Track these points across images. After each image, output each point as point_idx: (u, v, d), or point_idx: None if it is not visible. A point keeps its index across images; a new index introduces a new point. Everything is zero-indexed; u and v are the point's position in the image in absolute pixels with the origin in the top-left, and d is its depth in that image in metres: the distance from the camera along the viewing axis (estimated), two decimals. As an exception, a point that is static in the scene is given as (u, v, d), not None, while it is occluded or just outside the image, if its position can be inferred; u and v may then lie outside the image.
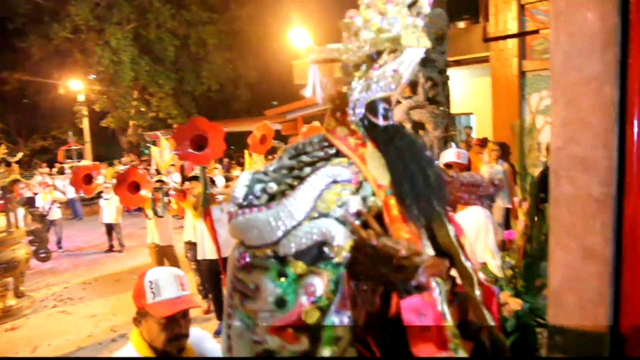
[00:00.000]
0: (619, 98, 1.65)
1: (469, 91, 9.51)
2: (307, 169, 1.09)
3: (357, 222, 1.05)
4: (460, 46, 8.20)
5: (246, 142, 6.21)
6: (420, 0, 1.06)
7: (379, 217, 1.09)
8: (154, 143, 14.87)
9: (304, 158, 1.13)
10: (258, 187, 1.09)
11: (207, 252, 5.15)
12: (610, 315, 1.61)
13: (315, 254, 1.01)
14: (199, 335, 1.94)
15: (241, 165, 13.52)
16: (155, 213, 5.41)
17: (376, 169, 1.12)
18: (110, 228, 9.58)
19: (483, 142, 7.47)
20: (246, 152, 8.51)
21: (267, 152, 6.45)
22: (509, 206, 5.33)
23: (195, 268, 5.83)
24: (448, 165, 2.90)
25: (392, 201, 1.09)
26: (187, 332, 1.78)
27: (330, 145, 1.15)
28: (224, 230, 5.36)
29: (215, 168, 10.03)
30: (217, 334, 4.59)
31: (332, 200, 1.04)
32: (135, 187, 5.10)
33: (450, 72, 9.83)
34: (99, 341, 5.29)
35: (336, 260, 1.00)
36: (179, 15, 19.32)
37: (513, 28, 6.61)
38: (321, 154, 1.13)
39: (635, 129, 1.63)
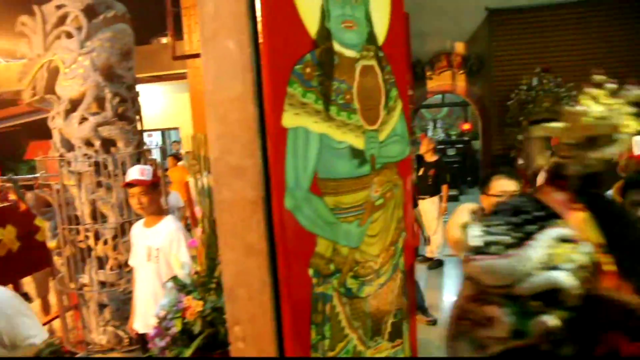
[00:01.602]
0: (259, 114, 1.96)
1: (174, 106, 9.67)
2: (531, 227, 1.28)
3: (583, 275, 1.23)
4: (164, 62, 8.28)
5: None
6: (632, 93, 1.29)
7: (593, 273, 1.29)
8: None
9: (526, 216, 1.32)
10: (490, 238, 1.30)
11: None
12: (273, 301, 1.88)
13: (549, 298, 1.20)
14: None
15: None
16: None
17: (591, 232, 1.31)
18: None
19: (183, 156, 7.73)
20: None
21: None
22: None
23: None
24: (131, 184, 2.73)
25: (605, 259, 1.28)
26: None
27: (547, 207, 1.35)
28: None
29: None
30: None
31: (562, 255, 1.22)
32: None
33: (155, 87, 9.84)
34: None
35: (568, 304, 1.20)
36: None
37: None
38: (542, 213, 1.32)
39: (273, 141, 1.96)
